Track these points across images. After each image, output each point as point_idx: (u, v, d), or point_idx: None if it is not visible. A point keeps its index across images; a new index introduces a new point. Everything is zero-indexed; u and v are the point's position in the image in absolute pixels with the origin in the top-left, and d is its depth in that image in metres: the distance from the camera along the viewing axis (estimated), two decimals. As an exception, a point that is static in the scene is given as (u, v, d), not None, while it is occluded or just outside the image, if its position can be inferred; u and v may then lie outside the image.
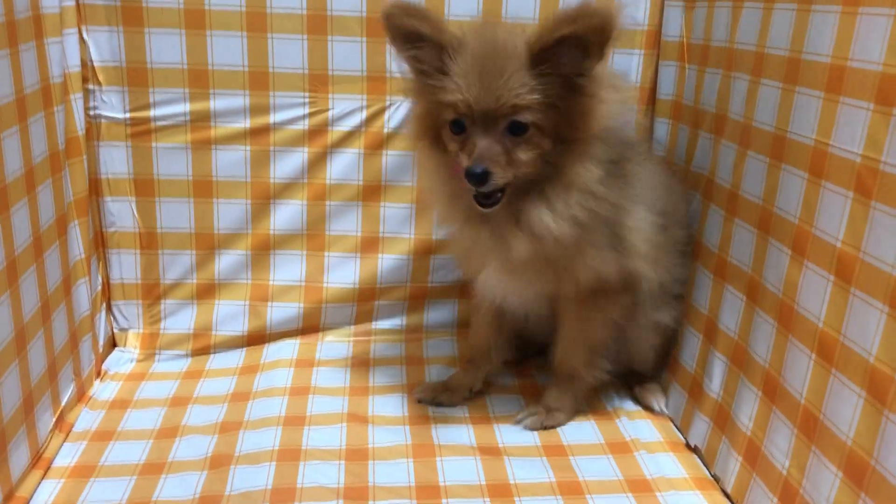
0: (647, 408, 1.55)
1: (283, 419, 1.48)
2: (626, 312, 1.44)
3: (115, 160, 1.64)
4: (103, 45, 1.57)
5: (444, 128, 1.27)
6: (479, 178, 1.19)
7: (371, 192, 1.73)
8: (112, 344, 1.76)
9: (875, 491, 0.97)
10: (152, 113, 1.62)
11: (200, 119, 1.63)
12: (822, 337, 1.09)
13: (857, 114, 1.03)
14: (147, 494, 1.28)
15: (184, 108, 1.62)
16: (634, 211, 1.36)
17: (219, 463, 1.36)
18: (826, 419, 1.08)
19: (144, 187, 1.67)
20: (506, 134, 1.21)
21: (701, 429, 1.41)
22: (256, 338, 1.77)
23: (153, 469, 1.35)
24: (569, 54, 1.16)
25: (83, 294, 1.56)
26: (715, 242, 1.43)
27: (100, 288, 1.68)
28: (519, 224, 1.27)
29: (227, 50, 1.59)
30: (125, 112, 1.61)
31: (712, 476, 1.36)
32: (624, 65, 1.68)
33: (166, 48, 1.58)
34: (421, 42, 1.23)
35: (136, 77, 1.59)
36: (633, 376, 1.60)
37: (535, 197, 1.25)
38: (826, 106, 1.10)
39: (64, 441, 1.42)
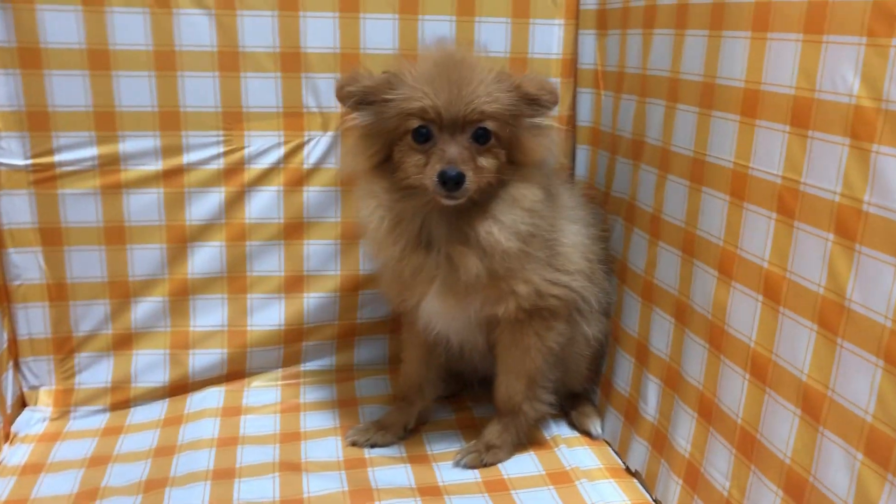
0: (585, 433, 1.55)
1: (211, 473, 1.41)
2: (563, 339, 1.44)
3: (18, 209, 1.55)
4: (-1, 89, 1.49)
5: (398, 143, 1.27)
6: (455, 180, 1.20)
7: (293, 229, 1.68)
8: (21, 404, 1.65)
9: (816, 508, 0.98)
10: (56, 158, 1.54)
11: (109, 163, 1.56)
12: (755, 356, 1.10)
13: (774, 136, 1.05)
14: (66, 567, 1.20)
15: (91, 151, 1.55)
16: (568, 228, 1.40)
17: (144, 526, 1.28)
18: (763, 438, 1.08)
19: (51, 236, 1.58)
20: (471, 141, 1.24)
21: (640, 453, 1.41)
22: (179, 387, 1.69)
23: (72, 538, 1.27)
24: (526, 105, 1.28)
25: (-13, 354, 1.47)
26: (640, 265, 1.44)
27: (5, 346, 1.58)
28: (468, 243, 1.28)
29: (134, 90, 1.53)
30: (26, 158, 1.52)
31: (654, 501, 1.36)
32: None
33: (69, 90, 1.50)
34: (374, 91, 1.27)
35: (36, 121, 1.51)
36: (568, 400, 1.59)
37: (482, 215, 1.28)
38: (743, 129, 1.12)
39: (-29, 515, 1.32)
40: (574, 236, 1.41)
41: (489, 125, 1.24)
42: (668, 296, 1.34)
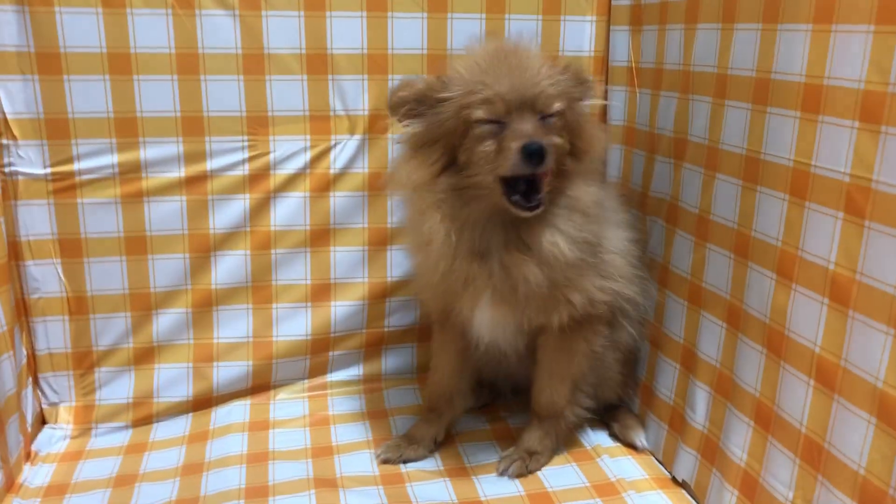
0: (629, 444, 1.50)
1: (244, 491, 1.36)
2: (607, 342, 1.40)
3: (37, 220, 1.50)
4: (17, 96, 1.43)
5: (463, 143, 1.20)
6: (538, 152, 1.14)
7: (319, 236, 1.63)
8: (41, 421, 1.59)
9: (896, 521, 0.94)
10: (76, 166, 1.48)
11: (130, 170, 1.51)
12: (821, 362, 1.06)
13: (841, 132, 1.01)
14: None
15: (111, 159, 1.49)
16: (613, 234, 1.36)
17: (178, 548, 1.23)
18: (832, 447, 1.04)
19: (71, 248, 1.52)
20: (539, 123, 1.19)
21: (688, 462, 1.37)
22: (203, 402, 1.64)
23: (103, 562, 1.21)
24: (576, 88, 1.26)
25: (7, 370, 1.41)
26: (685, 268, 1.39)
27: (25, 361, 1.52)
28: (528, 251, 1.23)
29: (156, 95, 1.48)
30: (45, 167, 1.47)
31: (706, 512, 1.31)
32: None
33: (89, 96, 1.45)
34: (428, 94, 1.23)
35: (56, 129, 1.46)
36: (608, 412, 1.54)
37: (542, 223, 1.23)
38: (804, 125, 1.08)
39: (-4, 540, 1.27)
40: (619, 241, 1.36)
41: (557, 105, 1.20)
42: (718, 299, 1.29)
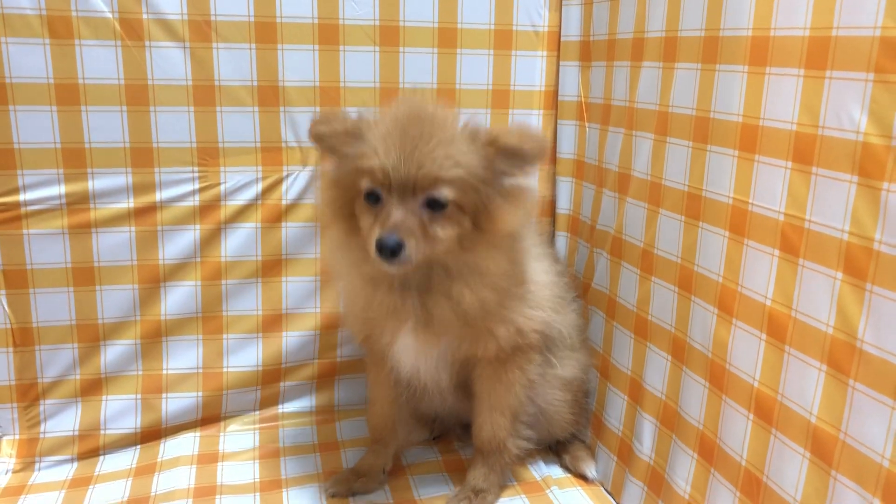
0: (580, 475, 1.50)
1: (189, 527, 1.34)
2: (540, 368, 1.40)
3: (-20, 251, 1.47)
4: (-40, 126, 1.42)
5: (358, 201, 1.18)
6: (391, 249, 1.10)
7: (271, 267, 1.62)
8: (-18, 455, 1.56)
9: (830, 555, 0.95)
10: (22, 197, 1.46)
11: (78, 201, 1.49)
12: (759, 396, 1.08)
13: (775, 172, 1.04)
14: None
15: (58, 190, 1.48)
16: (537, 267, 1.35)
17: (120, 587, 1.21)
18: (770, 481, 1.06)
19: (16, 278, 1.50)
20: (424, 208, 1.13)
21: (634, 494, 1.38)
22: (151, 434, 1.62)
23: None
24: (505, 161, 1.16)
25: (-53, 404, 1.38)
26: (632, 301, 1.41)
27: (-34, 394, 1.49)
28: (442, 293, 1.23)
29: (105, 126, 1.47)
30: (-10, 197, 1.45)
31: (652, 544, 1.32)
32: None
33: (36, 126, 1.43)
34: (346, 138, 1.19)
35: (1, 159, 1.44)
36: (560, 444, 1.55)
37: (449, 275, 1.22)
38: (742, 164, 1.10)
39: (-70, 581, 1.23)
40: (543, 274, 1.35)
41: (446, 192, 1.12)
42: (663, 332, 1.31)
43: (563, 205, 1.69)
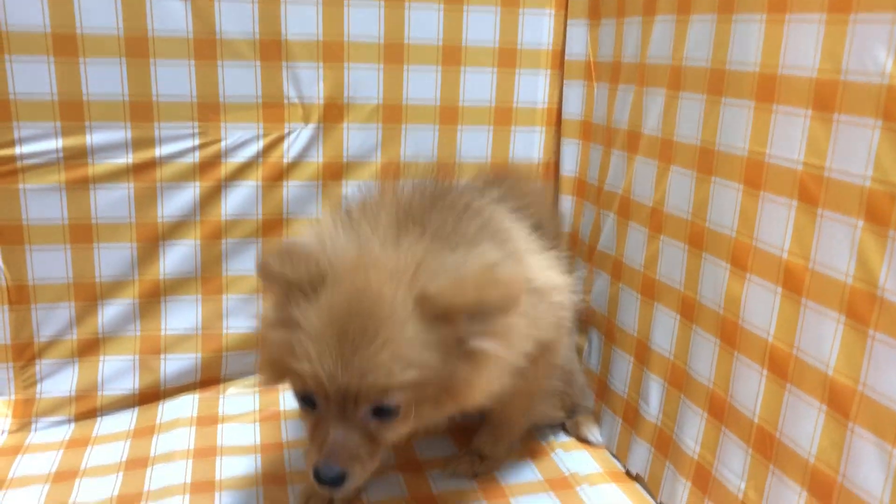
0: (583, 440, 1.49)
1: (189, 486, 1.32)
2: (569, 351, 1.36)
3: (-26, 205, 1.44)
4: (-46, 76, 1.38)
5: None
6: (332, 481, 0.95)
7: (272, 226, 1.60)
8: (-23, 415, 1.53)
9: (846, 508, 0.94)
10: (18, 150, 1.43)
11: (75, 156, 1.46)
12: (774, 351, 1.06)
13: (794, 121, 1.01)
14: (34, 591, 1.10)
15: (55, 143, 1.44)
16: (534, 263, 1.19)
17: (119, 544, 1.19)
18: (784, 436, 1.04)
19: (11, 234, 1.47)
20: (370, 417, 0.97)
21: (641, 455, 1.36)
22: (149, 395, 1.59)
23: (39, 560, 1.16)
24: (467, 320, 0.96)
25: (-59, 361, 1.35)
26: (639, 261, 1.39)
27: (-39, 352, 1.46)
28: None
29: (103, 78, 1.43)
30: (-16, 150, 1.42)
31: (658, 504, 1.31)
32: (529, 86, 1.64)
33: (32, 77, 1.40)
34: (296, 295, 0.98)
35: (-4, 110, 1.41)
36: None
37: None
38: (759, 115, 1.08)
39: (-75, 537, 1.21)
40: (556, 278, 1.21)
41: (397, 398, 0.95)
42: (672, 291, 1.29)
43: (569, 167, 1.67)
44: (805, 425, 1.00)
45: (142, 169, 1.50)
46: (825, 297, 0.97)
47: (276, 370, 1.03)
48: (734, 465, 1.13)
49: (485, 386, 1.01)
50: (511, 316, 0.98)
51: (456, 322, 0.95)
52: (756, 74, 1.08)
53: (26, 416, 1.54)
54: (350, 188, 1.60)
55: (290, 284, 0.97)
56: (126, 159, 1.49)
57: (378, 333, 0.93)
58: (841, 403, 0.95)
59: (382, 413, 0.96)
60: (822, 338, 0.97)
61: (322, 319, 0.94)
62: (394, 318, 0.94)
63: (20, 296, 1.50)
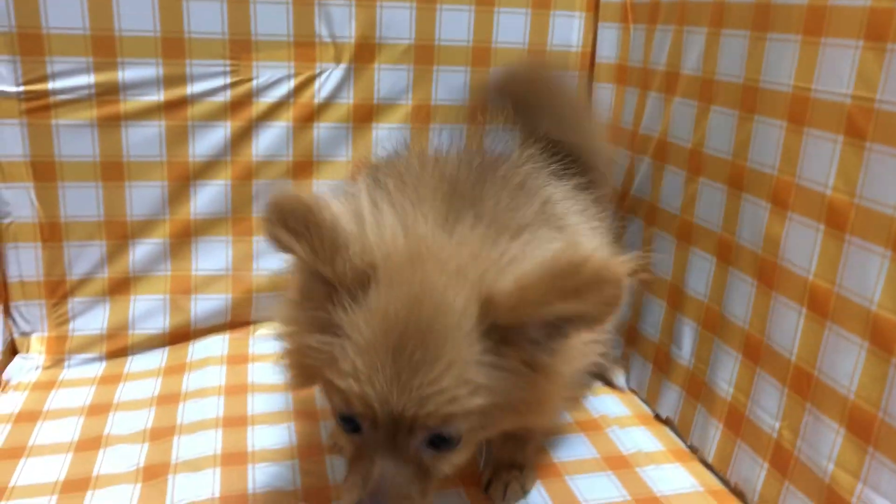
0: (610, 384, 1.48)
1: (221, 420, 1.34)
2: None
3: (8, 140, 1.44)
4: (-12, 9, 1.37)
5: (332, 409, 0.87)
6: None
7: (302, 168, 1.59)
8: (12, 351, 1.55)
9: (886, 443, 0.93)
10: (50, 85, 1.42)
11: (107, 92, 1.45)
12: (814, 290, 1.04)
13: (843, 53, 0.99)
14: (73, 515, 1.12)
15: (87, 79, 1.43)
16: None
17: (154, 474, 1.20)
18: (822, 374, 1.03)
19: (44, 171, 1.47)
20: (424, 447, 0.82)
21: (671, 399, 1.36)
22: (180, 335, 1.61)
23: (76, 486, 1.18)
24: (545, 329, 0.80)
25: (-23, 294, 1.37)
26: (676, 205, 1.38)
27: (-5, 288, 1.48)
28: None
29: (136, 12, 1.42)
30: (17, 84, 1.41)
31: (689, 447, 1.31)
32: (564, 28, 1.61)
33: (64, 11, 1.39)
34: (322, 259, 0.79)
35: (29, 44, 1.39)
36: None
37: None
38: (805, 49, 1.05)
39: (-35, 462, 1.23)
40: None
41: (460, 426, 0.81)
42: (709, 234, 1.28)
43: (604, 112, 1.64)
44: (845, 363, 0.99)
45: (173, 107, 1.49)
46: (870, 232, 0.95)
47: (309, 376, 0.89)
48: (769, 406, 1.13)
49: (559, 401, 0.90)
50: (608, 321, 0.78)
51: (531, 331, 0.80)
52: (804, 8, 1.05)
53: (59, 352, 1.55)
54: (380, 149, 1.56)
55: (330, 279, 0.79)
56: (157, 97, 1.48)
57: (442, 350, 0.77)
58: (884, 339, 0.94)
59: (439, 443, 0.82)
60: (867, 274, 0.96)
61: (373, 328, 0.78)
62: (460, 331, 0.78)
63: (52, 233, 1.51)
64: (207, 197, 1.56)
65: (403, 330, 0.77)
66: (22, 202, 1.48)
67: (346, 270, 0.78)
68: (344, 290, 0.79)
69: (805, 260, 1.06)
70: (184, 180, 1.54)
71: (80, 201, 1.50)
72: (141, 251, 1.57)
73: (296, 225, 0.77)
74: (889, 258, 0.93)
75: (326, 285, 0.80)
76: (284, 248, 0.78)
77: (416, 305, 0.78)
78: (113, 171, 1.50)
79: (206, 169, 1.55)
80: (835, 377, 1.01)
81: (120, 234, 1.54)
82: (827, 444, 1.01)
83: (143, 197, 1.53)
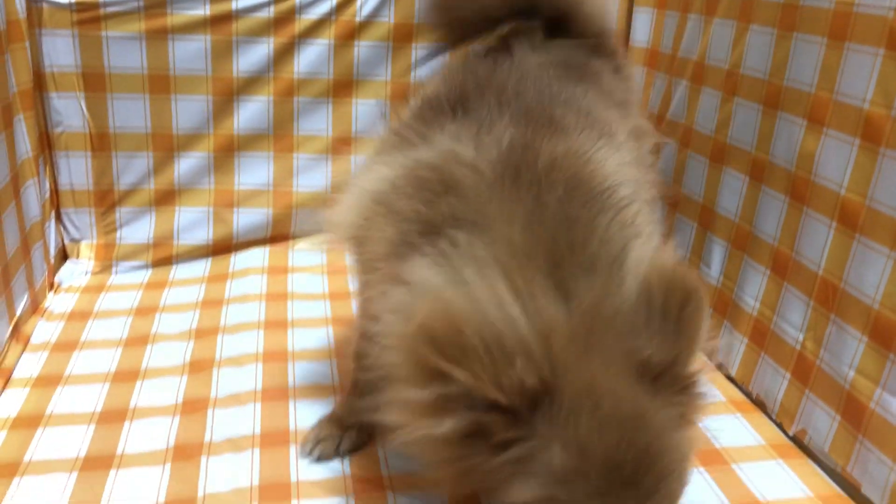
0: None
1: (263, 323, 1.40)
2: None
3: (60, 51, 1.48)
4: (41, -81, 1.41)
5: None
6: None
7: (342, 87, 1.62)
8: (63, 256, 1.62)
9: (907, 350, 0.96)
10: (101, -3, 1.47)
11: (155, 5, 1.49)
12: (845, 204, 1.06)
13: (888, -35, 0.99)
14: (124, 401, 1.18)
15: (136, -9, 1.47)
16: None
17: (200, 367, 1.27)
18: (848, 286, 1.05)
19: (94, 82, 1.52)
20: None
21: (698, 317, 1.39)
22: (222, 246, 1.66)
23: (127, 377, 1.25)
24: None
25: (32, 197, 1.42)
26: (710, 127, 1.39)
27: (48, 195, 1.53)
28: None
29: (184, -74, 1.45)
30: (70, -5, 1.45)
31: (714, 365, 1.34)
32: None
33: (115, -78, 1.42)
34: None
35: (81, -44, 1.43)
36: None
37: None
38: (850, -37, 1.05)
39: (22, 352, 1.30)
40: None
41: None
42: (742, 154, 1.29)
43: (641, 37, 1.65)
44: (871, 274, 1.01)
45: (218, 21, 1.52)
46: (905, 144, 0.97)
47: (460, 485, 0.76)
48: (793, 319, 1.16)
49: None
50: None
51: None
52: (850, -79, 1.05)
53: (107, 259, 1.62)
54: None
55: (503, 404, 0.66)
56: (203, 10, 1.51)
57: (659, 464, 0.67)
58: (912, 250, 0.96)
59: None
60: (898, 186, 0.98)
61: (577, 457, 0.66)
62: (661, 431, 0.69)
63: (102, 143, 1.56)
64: (250, 113, 1.60)
65: (618, 459, 0.66)
66: (73, 112, 1.53)
67: (515, 392, 0.65)
68: (524, 414, 0.66)
69: (839, 175, 1.07)
70: (227, 95, 1.58)
71: (129, 113, 1.55)
72: (186, 164, 1.61)
73: (453, 351, 0.65)
74: (921, 169, 0.94)
75: (499, 414, 0.66)
76: (440, 379, 0.66)
77: (615, 420, 0.66)
78: (160, 83, 1.54)
79: (249, 85, 1.58)
80: (861, 288, 1.03)
81: (166, 147, 1.59)
82: (849, 353, 1.04)
83: (188, 111, 1.58)
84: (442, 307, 0.68)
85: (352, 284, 1.55)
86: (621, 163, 0.90)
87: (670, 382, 0.71)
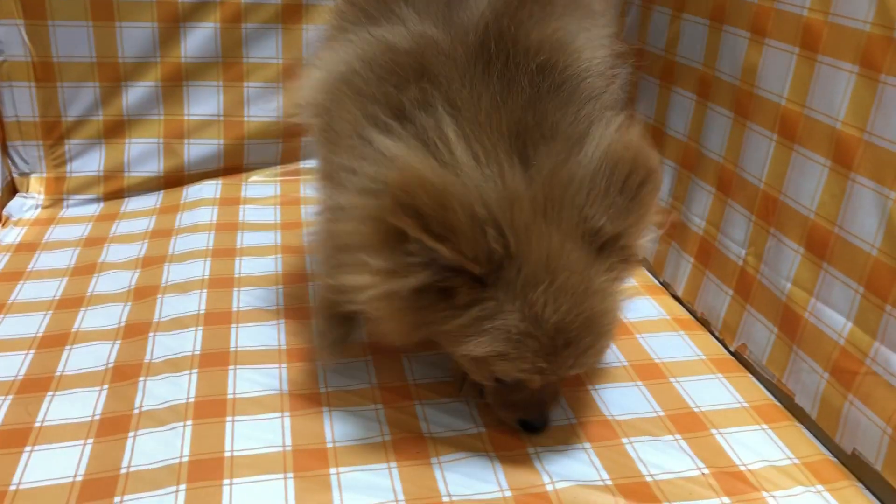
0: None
1: (211, 252, 1.38)
2: None
3: (-5, -26, 1.44)
4: None
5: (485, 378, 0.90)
6: (538, 428, 0.96)
7: (292, 12, 1.58)
8: (12, 190, 1.59)
9: (839, 257, 0.96)
10: (36, -82, 1.42)
11: (93, -74, 1.45)
12: (785, 114, 1.05)
13: None
14: (65, 327, 1.17)
15: (73, -90, 1.43)
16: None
17: (144, 294, 1.26)
18: (787, 198, 1.05)
19: (33, 8, 1.48)
20: None
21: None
22: (174, 179, 1.64)
23: (71, 303, 1.24)
24: None
25: (-27, 128, 1.40)
26: (661, 45, 1.37)
27: (-8, 127, 1.51)
28: None
29: None
30: (3, -83, 1.41)
31: (661, 283, 1.34)
32: None
33: None
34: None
35: None
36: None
37: None
38: None
39: (-34, 283, 1.29)
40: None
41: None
42: (691, 72, 1.28)
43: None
44: (808, 183, 1.01)
45: (160, -55, 1.48)
46: (840, 50, 0.95)
47: (413, 335, 0.86)
48: (736, 235, 1.15)
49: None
50: None
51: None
52: None
53: (58, 193, 1.60)
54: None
55: (475, 272, 0.77)
56: (144, -67, 1.47)
57: (598, 325, 0.82)
58: (845, 155, 0.95)
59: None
60: (834, 92, 0.96)
61: (532, 323, 0.78)
62: (602, 296, 0.81)
63: (46, 73, 1.53)
64: (197, 40, 1.57)
65: (562, 320, 0.79)
66: (13, 39, 1.49)
67: (480, 255, 0.76)
68: (476, 278, 0.77)
69: (779, 86, 1.06)
70: (173, 22, 1.54)
71: (72, 41, 1.52)
72: (134, 94, 1.58)
73: (438, 229, 0.73)
74: (856, 73, 0.93)
75: (465, 278, 0.77)
76: (426, 252, 0.75)
77: (562, 286, 0.78)
78: (103, 10, 1.51)
79: (195, 10, 1.55)
80: (798, 198, 1.03)
81: (112, 76, 1.56)
82: (786, 265, 1.04)
83: (133, 38, 1.54)
84: (416, 179, 0.73)
85: (305, 215, 1.54)
86: (600, 46, 0.94)
87: (615, 252, 0.81)
